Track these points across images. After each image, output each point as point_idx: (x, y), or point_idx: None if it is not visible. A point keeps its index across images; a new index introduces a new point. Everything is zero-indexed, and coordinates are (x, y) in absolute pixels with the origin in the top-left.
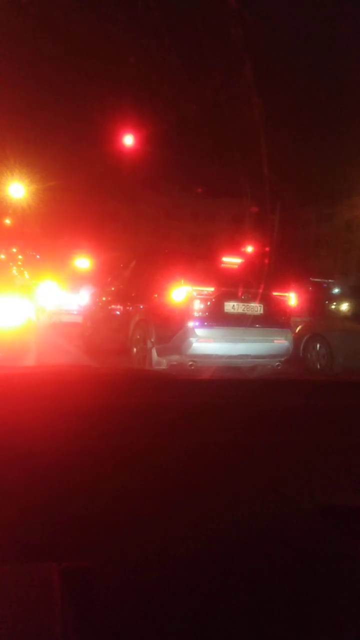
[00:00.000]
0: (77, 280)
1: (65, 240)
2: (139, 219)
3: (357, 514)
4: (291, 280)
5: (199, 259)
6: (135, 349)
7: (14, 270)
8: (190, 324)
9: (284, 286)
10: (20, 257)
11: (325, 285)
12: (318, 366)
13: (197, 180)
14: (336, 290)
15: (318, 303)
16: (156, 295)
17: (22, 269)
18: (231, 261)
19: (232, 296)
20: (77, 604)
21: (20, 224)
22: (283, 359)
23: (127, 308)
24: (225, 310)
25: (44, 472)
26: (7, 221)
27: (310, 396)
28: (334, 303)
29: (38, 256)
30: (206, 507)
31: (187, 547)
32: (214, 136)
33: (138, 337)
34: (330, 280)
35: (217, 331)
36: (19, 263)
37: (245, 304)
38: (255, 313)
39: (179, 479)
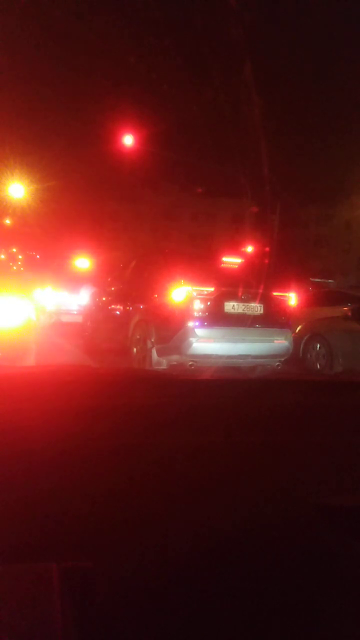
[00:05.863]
0: (77, 280)
1: (65, 240)
2: (138, 219)
3: (357, 513)
4: (291, 280)
5: (199, 259)
6: (135, 349)
7: (14, 270)
8: (190, 324)
9: (284, 286)
10: (20, 257)
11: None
12: (318, 366)
13: (197, 180)
14: None
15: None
16: (156, 295)
17: (22, 269)
18: (231, 261)
19: (232, 296)
20: (77, 604)
21: (20, 224)
22: (283, 359)
23: (127, 308)
24: (225, 310)
25: (43, 472)
26: (7, 221)
27: (310, 396)
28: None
29: (38, 256)
30: (206, 507)
31: (187, 546)
32: (214, 136)
33: (138, 337)
34: (330, 280)
35: (217, 331)
36: (19, 263)
37: (245, 304)
38: (255, 313)
39: (179, 478)
